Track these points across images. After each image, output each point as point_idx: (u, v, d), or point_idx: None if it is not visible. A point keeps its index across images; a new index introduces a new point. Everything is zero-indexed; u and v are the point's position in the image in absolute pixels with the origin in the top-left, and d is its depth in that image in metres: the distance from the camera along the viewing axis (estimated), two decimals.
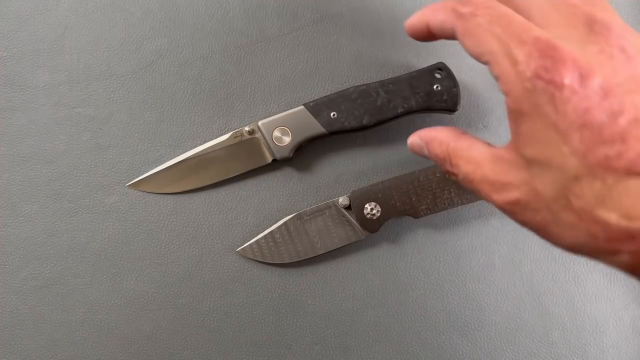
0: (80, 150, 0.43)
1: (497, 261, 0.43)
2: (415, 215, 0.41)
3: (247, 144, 0.41)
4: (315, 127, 0.40)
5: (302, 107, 0.41)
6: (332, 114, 0.40)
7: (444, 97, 0.40)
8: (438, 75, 0.40)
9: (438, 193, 0.41)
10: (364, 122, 0.40)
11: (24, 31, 0.44)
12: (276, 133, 0.40)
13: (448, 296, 0.43)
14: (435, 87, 0.40)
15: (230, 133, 0.41)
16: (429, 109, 0.41)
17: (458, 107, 0.40)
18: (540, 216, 0.25)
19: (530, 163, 0.24)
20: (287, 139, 0.40)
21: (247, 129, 0.41)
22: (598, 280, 0.43)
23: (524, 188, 0.25)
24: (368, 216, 0.41)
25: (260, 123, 0.41)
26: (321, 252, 0.42)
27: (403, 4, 0.44)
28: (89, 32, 0.44)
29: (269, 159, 0.42)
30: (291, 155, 0.41)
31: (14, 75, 0.43)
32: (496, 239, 0.43)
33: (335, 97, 0.41)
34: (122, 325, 0.42)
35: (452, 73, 0.40)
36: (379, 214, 0.41)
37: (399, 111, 0.40)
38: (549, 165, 0.24)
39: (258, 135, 0.41)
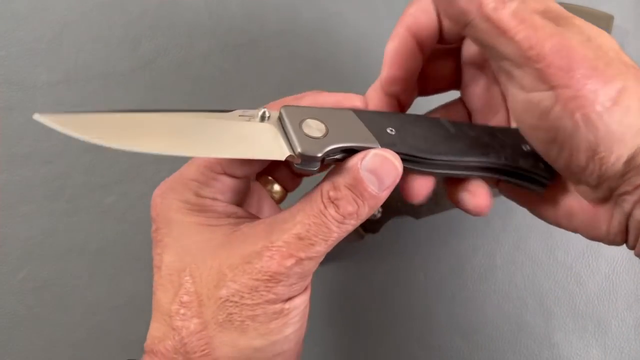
0: (79, 150, 0.43)
1: (498, 262, 0.43)
2: (417, 215, 0.41)
3: (257, 128, 0.27)
4: (364, 136, 0.26)
5: (349, 110, 0.27)
6: (388, 130, 0.27)
7: (539, 163, 0.28)
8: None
9: (439, 193, 0.41)
10: (440, 151, 0.27)
11: (22, 30, 0.44)
12: (306, 123, 0.26)
13: (449, 297, 0.43)
14: (524, 147, 0.28)
15: (236, 110, 0.26)
16: (516, 174, 0.29)
17: (553, 180, 0.28)
18: None
19: None
20: (321, 133, 0.25)
21: (261, 111, 0.26)
22: (600, 281, 0.43)
23: None
24: (369, 217, 0.41)
25: (283, 108, 0.26)
26: None
27: None
28: (88, 30, 0.44)
29: (284, 154, 0.25)
30: (319, 156, 0.25)
31: (12, 74, 0.43)
32: (498, 240, 0.43)
33: (388, 114, 0.29)
34: (120, 326, 0.42)
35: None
36: (379, 215, 0.41)
37: (481, 160, 0.28)
38: None
39: (274, 123, 0.26)
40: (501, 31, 0.24)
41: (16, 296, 0.42)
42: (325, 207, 0.24)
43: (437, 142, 0.27)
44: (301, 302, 0.26)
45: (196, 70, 0.43)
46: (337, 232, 0.24)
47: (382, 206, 0.41)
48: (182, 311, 0.25)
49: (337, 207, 0.24)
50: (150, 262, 0.44)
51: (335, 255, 0.43)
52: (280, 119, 0.26)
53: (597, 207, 0.27)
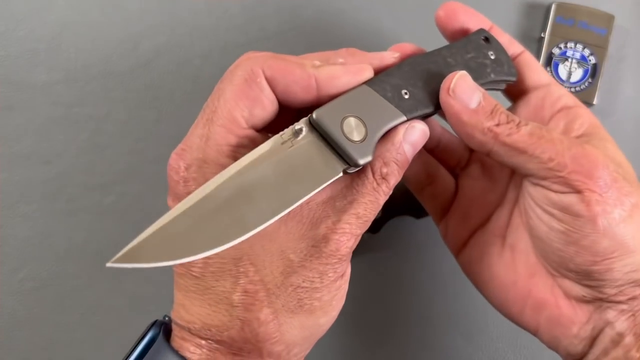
0: (78, 150, 0.43)
1: None
2: (417, 215, 0.41)
3: (304, 152, 0.25)
4: (391, 113, 0.27)
5: (364, 86, 0.27)
6: (403, 92, 0.28)
7: (505, 67, 0.31)
8: (485, 44, 0.31)
9: None
10: (437, 105, 0.29)
11: (21, 30, 0.43)
12: (346, 126, 0.25)
13: (451, 298, 0.42)
14: (490, 54, 0.31)
15: (273, 139, 0.25)
16: (493, 82, 0.31)
17: (516, 74, 0.32)
18: None
19: None
20: (363, 132, 0.26)
21: (298, 127, 0.25)
22: None
23: None
24: None
25: (316, 115, 0.25)
26: None
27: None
28: (87, 30, 0.43)
29: (340, 169, 0.25)
30: (372, 158, 0.26)
31: (11, 74, 0.43)
32: None
33: (398, 70, 0.29)
34: (120, 327, 0.42)
35: (495, 38, 0.32)
36: (380, 214, 0.40)
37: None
38: None
39: (314, 136, 0.25)
40: (520, 151, 0.26)
41: (16, 296, 0.42)
42: (379, 184, 0.26)
43: (436, 89, 0.29)
44: (349, 272, 0.26)
45: (196, 70, 0.43)
46: (383, 202, 0.26)
47: (383, 206, 0.41)
48: (248, 301, 0.24)
49: (387, 181, 0.26)
50: None
51: None
52: (312, 124, 0.25)
53: (576, 305, 0.27)
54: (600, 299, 0.26)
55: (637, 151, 0.44)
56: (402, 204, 0.41)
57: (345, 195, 0.25)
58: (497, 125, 0.26)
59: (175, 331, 0.26)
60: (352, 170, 0.26)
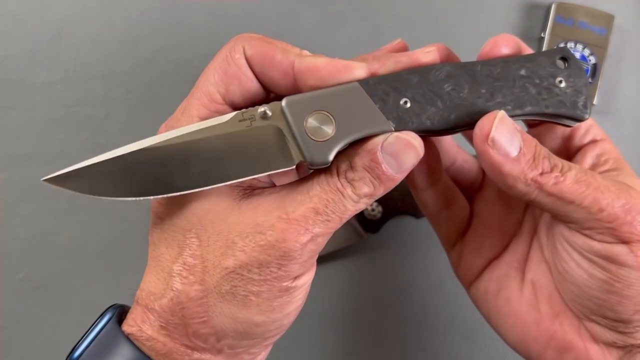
0: (78, 150, 0.43)
1: None
2: (417, 215, 0.41)
3: (260, 134, 0.25)
4: (375, 119, 0.25)
5: (355, 84, 0.25)
6: (402, 101, 0.25)
7: (571, 98, 0.26)
8: (561, 66, 0.26)
9: None
10: (452, 121, 0.25)
11: (21, 29, 0.43)
12: (312, 121, 0.24)
13: (450, 297, 0.42)
14: (558, 81, 0.26)
15: (234, 114, 0.25)
16: (545, 115, 0.26)
17: (588, 115, 0.26)
18: None
19: None
20: (328, 132, 0.24)
21: (261, 110, 0.25)
22: None
23: None
24: (369, 217, 0.40)
25: (285, 102, 0.25)
26: (322, 253, 0.41)
27: None
28: (87, 30, 0.43)
29: (294, 161, 0.25)
30: (330, 160, 0.25)
31: (11, 74, 0.43)
32: None
33: (408, 75, 0.25)
34: None
35: (579, 64, 0.26)
36: (380, 214, 0.40)
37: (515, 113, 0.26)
38: None
39: (278, 122, 0.25)
40: (567, 201, 0.24)
41: (15, 296, 0.42)
42: (343, 185, 0.24)
43: (456, 104, 0.25)
44: (307, 280, 0.25)
45: (196, 70, 0.43)
46: (352, 210, 0.24)
47: (382, 206, 0.41)
48: (184, 274, 0.24)
49: (353, 187, 0.24)
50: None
51: (335, 255, 0.43)
52: (283, 113, 0.24)
53: (605, 349, 0.27)
54: (632, 345, 0.26)
55: (637, 151, 0.44)
56: (402, 204, 0.41)
57: (308, 190, 0.24)
58: (542, 174, 0.24)
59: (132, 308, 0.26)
60: (310, 168, 0.24)
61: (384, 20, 0.44)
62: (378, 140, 0.24)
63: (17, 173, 0.42)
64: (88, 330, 0.25)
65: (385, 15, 0.44)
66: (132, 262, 0.42)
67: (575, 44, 0.43)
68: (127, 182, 0.24)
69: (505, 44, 0.27)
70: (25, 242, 0.42)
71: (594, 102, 0.43)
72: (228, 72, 0.25)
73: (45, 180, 0.24)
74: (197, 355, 0.24)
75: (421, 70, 0.25)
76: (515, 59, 0.26)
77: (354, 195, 0.24)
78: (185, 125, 0.25)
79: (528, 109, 0.25)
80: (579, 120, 0.26)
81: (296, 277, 0.24)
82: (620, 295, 0.25)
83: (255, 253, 0.23)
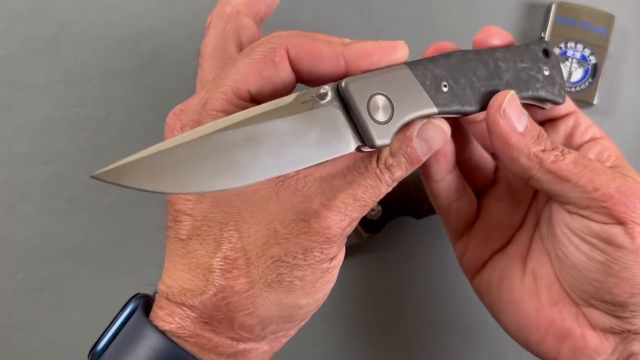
0: (78, 150, 0.43)
1: None
2: (417, 215, 0.41)
3: (323, 116, 0.23)
4: (423, 102, 0.25)
5: (403, 66, 0.25)
6: (442, 85, 0.26)
7: (556, 86, 0.30)
8: (544, 56, 0.31)
9: None
10: (477, 104, 0.27)
11: (21, 30, 0.43)
12: (374, 102, 0.24)
13: (451, 298, 0.42)
14: (545, 69, 0.30)
15: (295, 95, 0.24)
16: (536, 99, 0.30)
17: (564, 99, 0.31)
18: None
19: None
20: (388, 113, 0.24)
21: (323, 91, 0.24)
22: None
23: None
24: (369, 217, 0.40)
25: (347, 84, 0.24)
26: None
27: None
28: (87, 30, 0.43)
29: (352, 145, 0.24)
30: (390, 142, 0.24)
31: (11, 74, 0.43)
32: None
33: (445, 60, 0.27)
34: None
35: (556, 56, 0.31)
36: (380, 215, 0.40)
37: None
38: None
39: (334, 103, 0.24)
40: (564, 179, 0.26)
41: (15, 297, 0.42)
42: (382, 171, 0.24)
43: (480, 89, 0.27)
44: (341, 258, 0.26)
45: (196, 70, 0.43)
46: (384, 194, 0.25)
47: (383, 206, 0.41)
48: (227, 268, 0.23)
49: (391, 172, 0.25)
50: (150, 262, 0.44)
51: None
52: (339, 91, 0.24)
53: (602, 335, 0.27)
54: (629, 331, 0.27)
55: (637, 151, 0.44)
56: (402, 204, 0.41)
57: (345, 175, 0.24)
58: (543, 151, 0.26)
59: (156, 301, 0.26)
60: (366, 149, 0.24)
61: (384, 21, 0.44)
62: (415, 127, 0.25)
63: (16, 173, 0.42)
64: (112, 321, 0.26)
65: (385, 15, 0.44)
66: (132, 262, 0.42)
67: (576, 44, 0.43)
68: (194, 173, 0.21)
69: (496, 34, 0.30)
70: (24, 242, 0.42)
71: (594, 102, 0.43)
72: (263, 73, 0.25)
73: (95, 176, 0.21)
74: (242, 345, 0.24)
75: (454, 55, 0.27)
76: (515, 49, 0.30)
77: (390, 181, 0.25)
78: (208, 120, 0.24)
79: (528, 93, 0.29)
80: (558, 103, 0.31)
81: (332, 258, 0.25)
82: (617, 277, 0.25)
83: (300, 240, 0.23)
